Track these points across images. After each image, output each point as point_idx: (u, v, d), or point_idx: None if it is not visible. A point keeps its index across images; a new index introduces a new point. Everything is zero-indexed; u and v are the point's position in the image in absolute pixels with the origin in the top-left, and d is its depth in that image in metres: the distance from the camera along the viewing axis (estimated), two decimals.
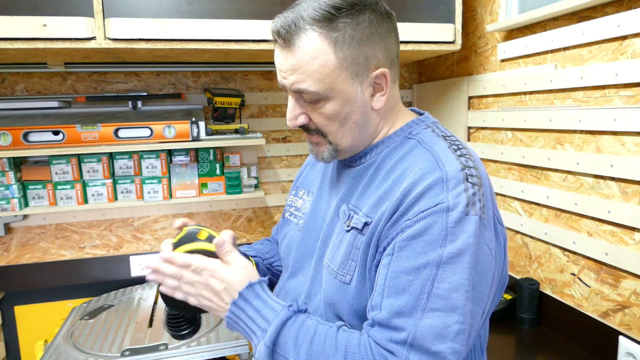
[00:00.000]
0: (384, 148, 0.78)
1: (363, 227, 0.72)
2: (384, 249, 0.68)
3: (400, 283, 0.65)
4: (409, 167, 0.71)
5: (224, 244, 0.76)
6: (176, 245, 0.79)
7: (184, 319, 0.84)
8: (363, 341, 0.66)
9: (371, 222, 0.71)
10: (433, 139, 0.74)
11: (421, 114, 0.83)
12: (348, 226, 0.75)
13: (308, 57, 0.68)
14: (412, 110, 0.85)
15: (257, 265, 0.97)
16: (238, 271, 0.74)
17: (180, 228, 0.83)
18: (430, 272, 0.63)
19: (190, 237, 0.80)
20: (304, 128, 0.77)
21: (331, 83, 0.70)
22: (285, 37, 0.69)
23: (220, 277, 0.73)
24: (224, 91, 1.79)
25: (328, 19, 0.68)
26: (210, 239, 0.79)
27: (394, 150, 0.76)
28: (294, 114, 0.75)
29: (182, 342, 1.39)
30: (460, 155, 0.71)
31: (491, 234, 0.69)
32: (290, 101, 0.75)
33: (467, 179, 0.67)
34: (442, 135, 0.75)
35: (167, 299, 0.78)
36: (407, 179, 0.69)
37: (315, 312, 0.80)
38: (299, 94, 0.73)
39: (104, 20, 1.28)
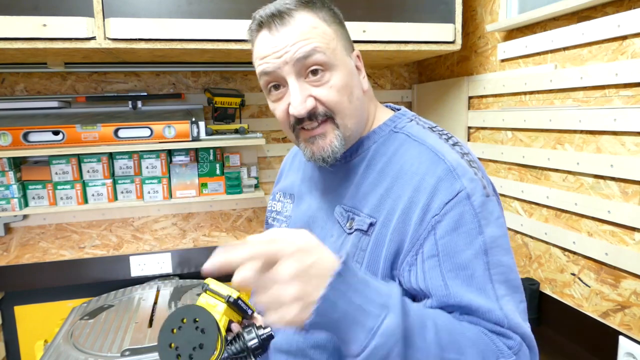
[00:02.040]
0: (371, 144, 0.77)
1: (368, 228, 0.71)
2: (417, 252, 0.66)
3: (462, 279, 0.63)
4: (407, 163, 0.70)
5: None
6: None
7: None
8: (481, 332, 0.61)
9: (376, 222, 0.70)
10: (421, 132, 0.75)
11: (398, 109, 0.83)
12: (350, 228, 0.73)
13: (308, 27, 0.70)
14: (387, 106, 0.85)
15: None
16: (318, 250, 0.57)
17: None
18: (482, 261, 0.64)
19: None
20: (311, 117, 0.71)
21: (333, 50, 0.71)
22: (281, 17, 0.70)
23: (310, 247, 0.54)
24: (224, 91, 1.79)
25: (309, 2, 0.72)
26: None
27: (383, 146, 0.76)
28: (301, 97, 0.69)
29: None
30: (453, 145, 0.72)
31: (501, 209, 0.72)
32: (294, 87, 0.70)
33: (470, 165, 0.69)
34: (428, 127, 0.76)
35: (163, 343, 0.66)
36: (410, 174, 0.69)
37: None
38: (300, 73, 0.69)
39: (104, 20, 1.28)
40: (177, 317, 0.68)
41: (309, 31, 0.70)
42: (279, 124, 0.80)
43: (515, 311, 0.64)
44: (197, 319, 0.67)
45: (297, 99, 0.70)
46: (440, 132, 0.75)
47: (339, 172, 0.79)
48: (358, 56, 0.77)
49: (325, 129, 0.72)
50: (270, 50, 0.70)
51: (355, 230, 0.72)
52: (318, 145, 0.73)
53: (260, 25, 0.72)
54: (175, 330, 0.67)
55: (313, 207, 0.83)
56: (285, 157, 1.03)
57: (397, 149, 0.73)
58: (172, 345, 0.68)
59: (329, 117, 0.72)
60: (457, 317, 0.63)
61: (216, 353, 0.66)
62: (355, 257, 0.71)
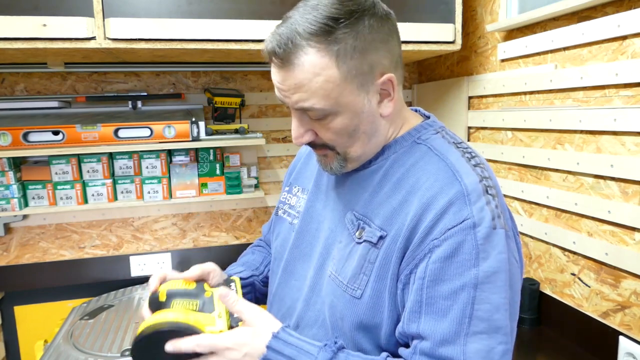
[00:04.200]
0: (391, 153, 0.74)
1: (378, 240, 0.69)
2: (411, 272, 0.66)
3: (439, 309, 0.63)
4: (423, 177, 0.68)
5: (228, 295, 0.72)
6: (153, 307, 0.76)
7: None
8: None
9: (387, 235, 0.68)
10: (444, 146, 0.72)
11: (427, 117, 0.80)
12: (359, 238, 0.72)
13: (310, 75, 0.64)
14: (415, 110, 0.82)
15: (253, 284, 0.94)
16: (255, 327, 0.69)
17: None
18: (469, 294, 0.62)
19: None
20: (310, 144, 0.74)
21: (337, 98, 0.66)
22: (283, 57, 0.65)
23: (237, 345, 0.67)
24: (224, 91, 1.79)
25: (326, 32, 0.63)
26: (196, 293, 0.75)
27: (403, 156, 0.73)
28: (299, 132, 0.71)
29: None
30: (475, 165, 0.68)
31: (514, 245, 0.68)
32: (295, 119, 0.71)
33: (486, 191, 0.66)
34: (454, 143, 0.73)
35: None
36: (423, 190, 0.67)
37: (316, 322, 0.77)
38: (303, 111, 0.69)
39: (104, 20, 1.28)
40: (144, 349, 0.69)
41: (309, 80, 0.65)
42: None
43: (482, 351, 0.61)
44: (167, 340, 0.69)
45: (294, 132, 0.72)
46: (465, 150, 0.71)
47: (356, 177, 0.77)
48: (390, 80, 0.69)
49: (326, 152, 0.74)
50: (277, 84, 0.70)
51: (365, 241, 0.71)
52: (321, 162, 0.77)
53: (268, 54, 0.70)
54: (154, 355, 0.70)
55: (325, 209, 0.82)
56: (303, 148, 0.99)
57: (416, 161, 0.71)
58: None
59: (329, 147, 0.73)
60: (414, 347, 0.65)
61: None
62: (363, 270, 0.70)
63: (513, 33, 1.49)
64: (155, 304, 0.75)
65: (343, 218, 0.76)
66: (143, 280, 1.89)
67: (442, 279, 0.63)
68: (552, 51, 1.32)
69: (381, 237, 0.69)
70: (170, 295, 0.75)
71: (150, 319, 0.70)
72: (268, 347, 0.67)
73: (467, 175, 0.66)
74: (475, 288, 0.62)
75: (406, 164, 0.72)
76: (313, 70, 0.64)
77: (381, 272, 0.68)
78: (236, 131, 1.79)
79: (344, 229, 0.75)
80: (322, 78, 0.65)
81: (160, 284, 0.78)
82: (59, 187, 1.65)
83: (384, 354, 0.68)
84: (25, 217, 1.80)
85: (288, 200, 0.92)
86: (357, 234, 0.72)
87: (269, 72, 1.98)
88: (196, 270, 0.80)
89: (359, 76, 0.67)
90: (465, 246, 0.62)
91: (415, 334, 0.64)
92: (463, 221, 0.63)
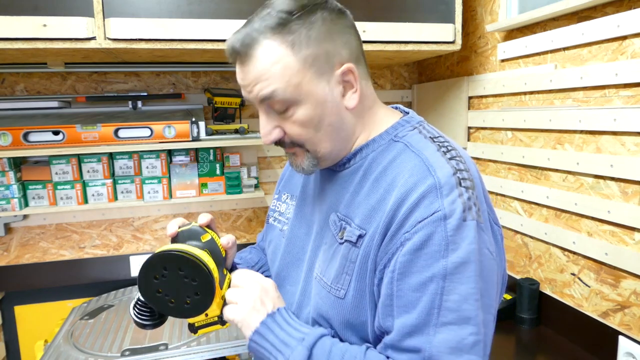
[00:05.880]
0: (369, 152, 0.75)
1: (357, 239, 0.70)
2: (385, 266, 0.66)
3: (408, 301, 0.63)
4: (399, 174, 0.69)
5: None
6: (175, 238, 0.77)
7: (152, 310, 0.77)
8: None
9: (365, 234, 0.69)
10: (421, 142, 0.72)
11: (406, 113, 0.80)
12: (341, 238, 0.72)
13: (269, 64, 0.67)
14: (395, 108, 0.83)
15: None
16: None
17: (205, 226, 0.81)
18: (437, 285, 0.62)
19: (191, 235, 0.76)
20: (279, 143, 0.75)
21: (297, 85, 0.68)
22: (241, 51, 0.68)
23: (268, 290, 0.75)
24: (224, 91, 1.80)
25: (280, 24, 0.67)
26: (209, 243, 0.76)
27: (381, 155, 0.74)
28: (267, 128, 0.73)
29: (181, 342, 1.39)
30: (450, 158, 0.69)
31: (490, 237, 0.68)
32: (262, 117, 0.73)
33: (460, 184, 0.66)
34: (430, 137, 0.73)
35: (146, 291, 0.72)
36: (398, 187, 0.67)
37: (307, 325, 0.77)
38: (269, 106, 0.71)
39: (104, 20, 1.28)
40: (159, 265, 0.70)
41: (268, 69, 0.67)
42: None
43: (451, 341, 0.61)
44: (181, 269, 0.70)
45: (262, 130, 0.74)
46: (441, 144, 0.72)
47: (338, 178, 0.78)
48: (350, 70, 0.71)
49: (295, 150, 0.75)
50: (240, 81, 0.72)
51: (346, 241, 0.72)
52: (292, 162, 0.78)
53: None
54: (157, 277, 0.71)
55: (313, 213, 0.82)
56: None
57: (394, 159, 0.72)
58: (160, 290, 0.71)
59: (298, 144, 0.74)
60: (384, 340, 0.66)
61: (215, 301, 0.73)
62: (345, 270, 0.71)
63: (513, 33, 1.49)
64: (190, 236, 0.76)
65: (328, 220, 0.77)
66: None
67: (412, 271, 0.63)
68: (552, 51, 1.32)
69: (360, 236, 0.70)
70: (208, 243, 0.76)
71: (190, 248, 0.71)
72: (278, 310, 0.73)
73: (440, 169, 0.67)
74: (444, 279, 0.62)
75: (383, 162, 0.73)
76: (271, 60, 0.67)
77: (362, 270, 0.69)
78: (236, 131, 1.79)
79: (328, 230, 0.76)
80: (280, 65, 0.67)
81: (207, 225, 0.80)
82: (59, 187, 1.65)
83: (365, 344, 0.70)
84: (25, 217, 1.80)
85: (278, 208, 0.93)
86: (339, 234, 0.73)
87: None
88: (230, 240, 0.81)
89: (316, 64, 0.69)
90: (435, 238, 0.62)
91: (389, 328, 0.65)
92: (434, 213, 0.63)
